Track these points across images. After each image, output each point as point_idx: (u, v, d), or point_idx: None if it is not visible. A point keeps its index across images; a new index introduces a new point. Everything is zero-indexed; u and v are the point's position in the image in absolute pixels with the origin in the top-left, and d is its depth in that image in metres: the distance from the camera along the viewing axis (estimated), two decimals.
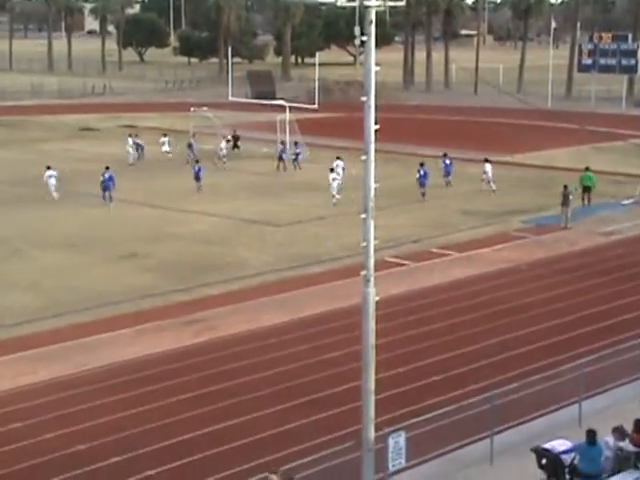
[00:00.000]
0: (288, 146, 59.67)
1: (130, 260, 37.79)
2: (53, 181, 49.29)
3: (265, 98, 77.44)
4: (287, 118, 63.12)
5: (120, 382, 25.42)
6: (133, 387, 25.03)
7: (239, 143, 63.72)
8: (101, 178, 48.04)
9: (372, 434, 18.03)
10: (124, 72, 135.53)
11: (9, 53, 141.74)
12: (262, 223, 44.14)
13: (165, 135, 62.87)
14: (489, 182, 50.90)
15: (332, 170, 48.80)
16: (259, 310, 31.62)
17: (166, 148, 61.23)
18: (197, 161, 53.53)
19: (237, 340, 28.71)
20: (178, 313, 31.12)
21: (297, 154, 58.92)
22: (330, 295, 33.11)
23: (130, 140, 61.38)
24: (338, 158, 50.98)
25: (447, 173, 53.00)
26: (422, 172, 49.92)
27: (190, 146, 60.30)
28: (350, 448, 18.84)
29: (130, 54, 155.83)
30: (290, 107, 64.46)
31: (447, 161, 53.34)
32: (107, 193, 47.79)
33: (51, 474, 20.38)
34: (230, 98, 74.06)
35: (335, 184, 47.81)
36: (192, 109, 68.58)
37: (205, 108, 68.66)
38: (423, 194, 49.54)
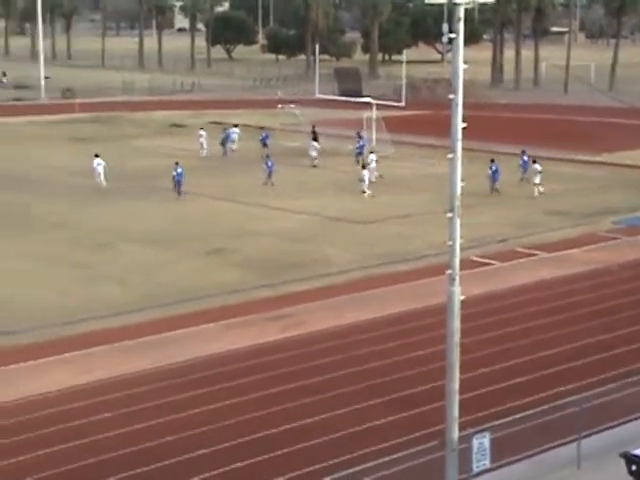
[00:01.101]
0: (366, 143, 59.52)
1: (215, 256, 38.19)
2: (101, 169, 51.74)
3: (352, 95, 77.40)
4: (374, 115, 63.08)
5: (204, 376, 25.71)
6: (218, 381, 25.29)
7: (317, 139, 64.08)
8: (173, 173, 49.09)
9: (456, 434, 17.95)
10: (213, 69, 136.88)
11: (102, 51, 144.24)
12: (347, 221, 44.21)
13: (202, 128, 63.83)
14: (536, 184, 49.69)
15: (364, 167, 49.58)
16: (344, 307, 31.68)
17: (202, 141, 61.85)
18: (268, 156, 53.95)
19: (322, 337, 28.81)
20: (263, 309, 31.36)
21: (361, 147, 59.05)
22: (415, 293, 33.02)
23: (203, 133, 62.39)
24: (372, 152, 51.28)
25: (524, 170, 52.55)
26: (493, 168, 50.13)
27: (263, 141, 60.81)
28: (433, 448, 18.77)
29: (219, 51, 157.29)
30: (377, 104, 64.40)
31: (525, 158, 52.80)
32: (178, 188, 48.83)
33: (139, 463, 20.72)
34: (317, 95, 74.26)
35: (367, 179, 48.70)
36: (279, 106, 69.00)
37: (292, 105, 68.99)
38: (496, 190, 49.70)
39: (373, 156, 51.42)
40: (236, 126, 64.87)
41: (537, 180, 49.29)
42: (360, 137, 60.31)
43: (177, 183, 49.06)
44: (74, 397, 24.22)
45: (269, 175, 52.21)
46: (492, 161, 50.78)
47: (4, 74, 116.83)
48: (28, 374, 25.72)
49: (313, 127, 64.60)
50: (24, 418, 23.01)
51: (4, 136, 71.39)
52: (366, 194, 47.91)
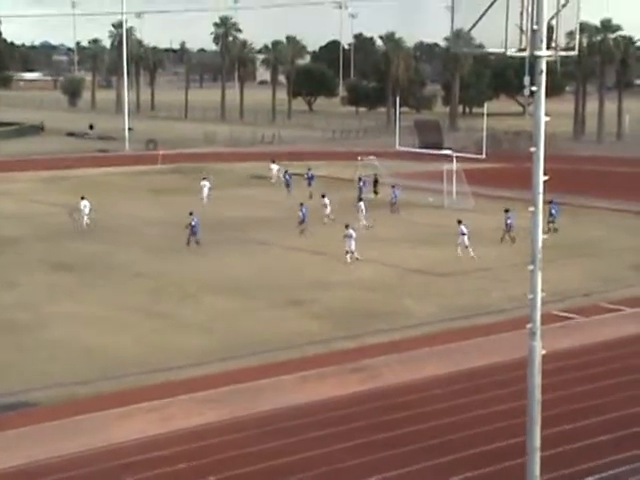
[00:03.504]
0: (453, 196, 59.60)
1: (295, 306, 38.27)
2: (87, 211, 54.72)
3: (432, 148, 77.44)
4: (454, 168, 62.97)
5: (284, 427, 25.65)
6: (297, 433, 25.21)
7: (378, 188, 64.51)
8: (192, 223, 49.39)
9: None
10: (293, 121, 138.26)
11: (185, 103, 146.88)
12: (426, 272, 44.00)
13: (205, 179, 65.45)
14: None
15: (347, 226, 46.57)
16: (422, 360, 31.43)
17: (205, 192, 63.95)
18: (302, 204, 54.14)
19: (400, 390, 28.58)
20: (342, 360, 31.25)
21: (394, 196, 60.26)
22: (495, 347, 32.62)
23: (206, 183, 64.70)
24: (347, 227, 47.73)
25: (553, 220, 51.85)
26: (508, 220, 49.79)
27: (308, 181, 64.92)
28: None
29: (299, 103, 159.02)
30: (457, 157, 64.30)
31: (554, 208, 51.94)
32: (194, 238, 49.21)
33: None
34: (397, 147, 74.44)
35: (352, 242, 45.82)
36: (359, 158, 69.28)
37: (372, 157, 69.24)
38: (512, 238, 49.20)
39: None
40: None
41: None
42: (393, 187, 61.73)
43: (193, 232, 49.33)
44: (152, 446, 24.32)
45: (301, 222, 52.57)
46: (506, 211, 50.25)
47: (91, 127, 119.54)
48: (107, 423, 25.92)
49: (375, 176, 65.05)
50: (102, 466, 23.15)
51: (88, 186, 72.74)
52: (349, 256, 45.68)
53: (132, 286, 41.41)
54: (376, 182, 66.08)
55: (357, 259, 45.64)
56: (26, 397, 27.89)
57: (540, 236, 16.84)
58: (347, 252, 45.83)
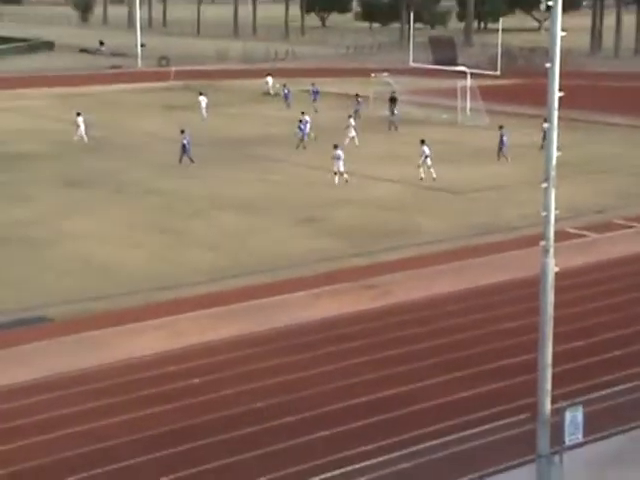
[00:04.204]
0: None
1: (308, 223, 38.27)
2: (83, 127, 54.94)
3: (447, 64, 76.65)
4: (468, 84, 62.35)
5: (296, 343, 25.83)
6: (309, 349, 25.38)
7: (395, 107, 64.15)
8: (184, 142, 49.05)
9: (548, 407, 17.68)
10: (306, 37, 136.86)
11: (197, 19, 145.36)
12: (441, 190, 43.85)
13: (202, 94, 66.29)
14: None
15: (336, 147, 45.27)
16: (435, 277, 31.49)
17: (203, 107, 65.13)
18: (300, 120, 54.15)
19: (412, 306, 28.70)
20: (355, 277, 31.34)
21: (356, 111, 61.05)
22: (508, 265, 32.63)
23: (204, 98, 65.54)
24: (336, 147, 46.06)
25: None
26: (502, 137, 49.51)
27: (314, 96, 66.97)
28: (524, 420, 18.55)
29: (313, 19, 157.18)
30: (472, 73, 63.64)
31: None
32: (186, 155, 48.97)
33: (230, 428, 20.92)
34: (411, 64, 73.69)
35: (340, 163, 44.69)
36: (373, 74, 68.68)
37: (385, 73, 68.65)
38: (505, 157, 49.23)
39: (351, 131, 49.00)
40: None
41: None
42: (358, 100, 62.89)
43: (185, 150, 49.01)
44: (164, 362, 24.55)
45: (302, 138, 52.83)
46: (501, 128, 49.91)
47: (102, 43, 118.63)
48: (120, 338, 26.16)
49: (392, 93, 64.53)
50: (117, 381, 23.43)
51: (100, 104, 72.54)
52: (339, 177, 44.48)
53: (143, 203, 41.45)
54: (393, 100, 65.12)
55: (346, 181, 44.52)
56: (41, 312, 28.12)
57: (555, 153, 16.67)
58: (335, 173, 44.59)
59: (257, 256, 33.82)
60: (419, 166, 45.29)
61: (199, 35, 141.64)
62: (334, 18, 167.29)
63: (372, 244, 35.26)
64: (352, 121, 55.28)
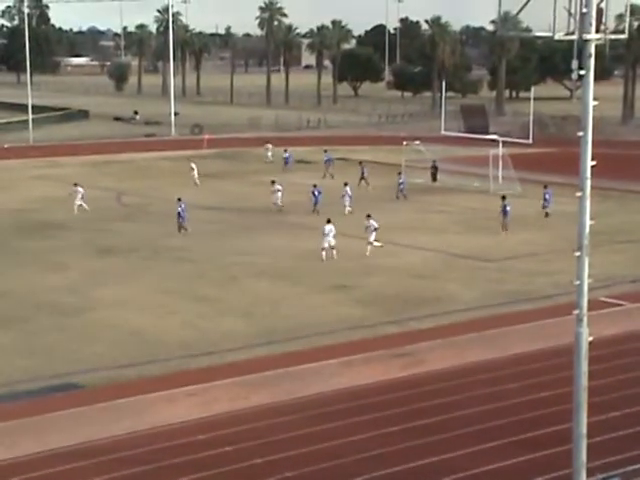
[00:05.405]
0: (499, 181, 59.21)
1: (340, 291, 38.24)
2: (79, 197, 54.98)
3: (478, 132, 76.97)
4: (500, 152, 62.51)
5: (328, 412, 25.66)
6: (341, 417, 25.19)
7: (438, 175, 64.39)
8: (178, 209, 49.32)
9: (584, 479, 17.44)
10: (338, 106, 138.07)
11: (230, 87, 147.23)
12: (473, 258, 43.76)
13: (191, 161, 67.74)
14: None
15: (369, 217, 44.70)
16: (467, 346, 31.28)
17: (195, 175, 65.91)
18: (315, 185, 55.08)
19: (444, 375, 28.48)
20: (386, 345, 31.18)
21: (400, 183, 59.76)
22: (541, 334, 32.37)
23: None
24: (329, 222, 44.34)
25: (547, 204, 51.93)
26: (505, 207, 48.93)
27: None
28: None
29: (345, 88, 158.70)
30: (503, 142, 63.83)
31: (547, 192, 51.89)
32: (181, 222, 49.20)
33: None
34: (442, 132, 74.05)
35: (373, 235, 44.02)
36: (405, 142, 69.05)
37: (417, 142, 68.99)
38: (504, 225, 48.85)
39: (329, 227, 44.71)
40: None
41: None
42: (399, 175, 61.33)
43: (181, 218, 49.22)
44: (196, 430, 24.46)
45: (315, 204, 53.42)
46: (504, 198, 49.54)
47: (136, 112, 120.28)
48: (152, 406, 26.11)
49: (434, 162, 64.93)
50: (148, 449, 23.34)
51: (134, 171, 73.35)
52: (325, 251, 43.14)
53: (177, 270, 41.61)
54: (435, 168, 65.87)
55: (381, 246, 43.90)
56: (73, 379, 28.17)
57: (587, 222, 16.66)
58: (369, 243, 44.02)
59: (289, 323, 33.77)
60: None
61: (232, 103, 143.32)
62: (366, 87, 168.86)
63: (405, 312, 35.13)
64: (347, 189, 54.37)
